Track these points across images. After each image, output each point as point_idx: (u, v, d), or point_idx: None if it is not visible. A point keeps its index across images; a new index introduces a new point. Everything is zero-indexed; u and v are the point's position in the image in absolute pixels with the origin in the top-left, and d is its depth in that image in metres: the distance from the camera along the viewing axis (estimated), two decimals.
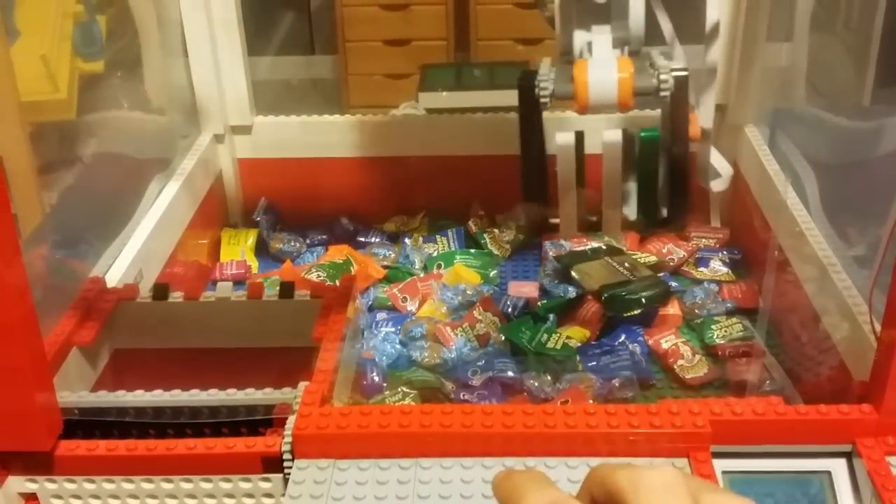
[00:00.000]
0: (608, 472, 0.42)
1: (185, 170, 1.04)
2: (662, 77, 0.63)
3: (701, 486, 0.42)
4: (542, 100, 0.65)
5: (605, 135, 0.65)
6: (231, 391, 0.68)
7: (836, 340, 0.79)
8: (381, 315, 0.97)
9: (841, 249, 0.84)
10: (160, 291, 0.80)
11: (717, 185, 0.78)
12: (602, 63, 0.64)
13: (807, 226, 0.87)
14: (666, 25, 0.71)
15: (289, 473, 0.61)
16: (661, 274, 1.01)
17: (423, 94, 2.04)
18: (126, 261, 0.88)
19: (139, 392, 0.69)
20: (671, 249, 1.04)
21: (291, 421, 0.62)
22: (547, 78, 0.64)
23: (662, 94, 0.63)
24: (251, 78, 1.11)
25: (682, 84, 0.64)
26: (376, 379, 0.87)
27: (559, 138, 0.66)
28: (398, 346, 0.92)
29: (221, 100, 1.10)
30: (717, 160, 0.90)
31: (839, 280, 0.79)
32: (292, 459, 0.62)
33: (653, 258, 1.03)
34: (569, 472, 0.60)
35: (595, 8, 0.65)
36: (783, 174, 0.96)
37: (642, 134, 0.66)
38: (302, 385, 0.67)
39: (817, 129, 1.01)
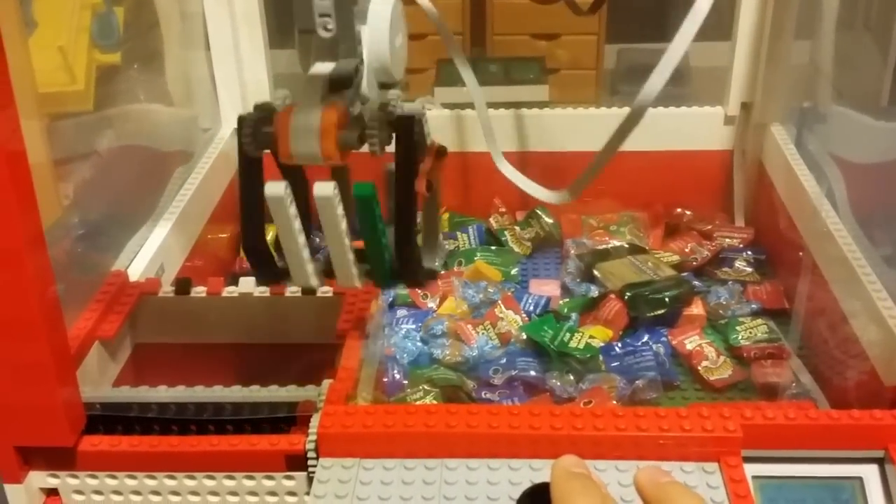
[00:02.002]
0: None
1: (206, 163, 1.03)
2: (369, 133, 0.58)
3: None
4: (246, 149, 0.59)
5: (315, 188, 0.58)
6: (254, 388, 0.68)
7: (864, 343, 0.78)
8: (401, 312, 0.96)
9: (870, 250, 0.82)
10: (182, 286, 0.79)
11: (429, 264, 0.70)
12: (307, 110, 0.57)
13: (835, 226, 0.86)
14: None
15: (313, 472, 0.61)
16: (684, 273, 1.00)
17: (440, 88, 2.04)
18: (148, 254, 0.87)
19: (162, 388, 0.68)
20: (694, 249, 1.03)
21: (316, 419, 0.62)
22: (248, 127, 0.59)
23: (371, 150, 0.58)
24: (273, 71, 1.10)
25: (407, 132, 0.59)
26: (397, 376, 0.86)
27: (269, 188, 0.59)
28: (419, 344, 0.91)
29: (243, 93, 1.09)
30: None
31: (868, 282, 0.78)
32: (317, 458, 0.61)
33: (676, 257, 1.02)
34: (596, 476, 0.59)
35: (326, 42, 0.59)
36: (810, 173, 0.95)
37: (354, 190, 0.60)
38: (326, 383, 0.66)
39: (845, 128, 0.99)
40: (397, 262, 0.63)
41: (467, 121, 1.12)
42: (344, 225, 0.61)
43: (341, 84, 0.58)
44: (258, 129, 0.59)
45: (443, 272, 1.02)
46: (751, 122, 1.07)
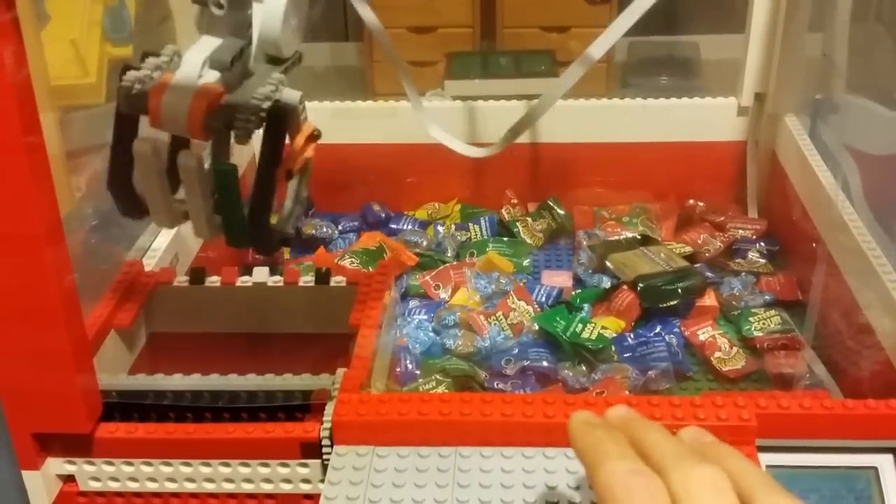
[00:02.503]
0: (671, 462, 0.42)
1: None
2: (238, 123, 0.58)
3: (757, 483, 0.41)
4: (119, 106, 0.59)
5: (180, 158, 0.60)
6: (269, 376, 0.68)
7: (879, 334, 0.77)
8: (413, 303, 0.97)
9: (885, 241, 0.82)
10: (197, 276, 0.80)
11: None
12: (184, 83, 0.58)
13: (850, 216, 0.86)
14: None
15: (327, 460, 0.61)
16: (697, 265, 1.00)
17: (450, 81, 2.03)
18: (162, 245, 0.88)
19: (177, 375, 0.69)
20: (707, 240, 1.03)
21: (331, 407, 0.62)
22: (129, 82, 0.59)
23: (236, 138, 0.59)
24: None
25: (275, 123, 0.59)
26: (410, 367, 0.86)
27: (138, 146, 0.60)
28: (431, 334, 0.91)
29: None
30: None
31: (884, 272, 0.78)
32: (331, 446, 0.61)
33: (688, 249, 1.02)
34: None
35: (219, 19, 0.60)
36: (825, 164, 0.94)
37: (215, 165, 0.61)
38: (340, 371, 0.67)
39: (860, 119, 0.99)
40: (249, 236, 0.64)
41: (477, 112, 1.12)
42: (203, 188, 0.61)
43: (221, 63, 0.59)
44: (134, 89, 0.59)
45: (454, 264, 1.02)
46: (764, 113, 1.06)
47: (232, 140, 0.61)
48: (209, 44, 0.60)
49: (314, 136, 0.66)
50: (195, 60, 0.59)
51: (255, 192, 0.61)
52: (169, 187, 0.62)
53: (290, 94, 0.62)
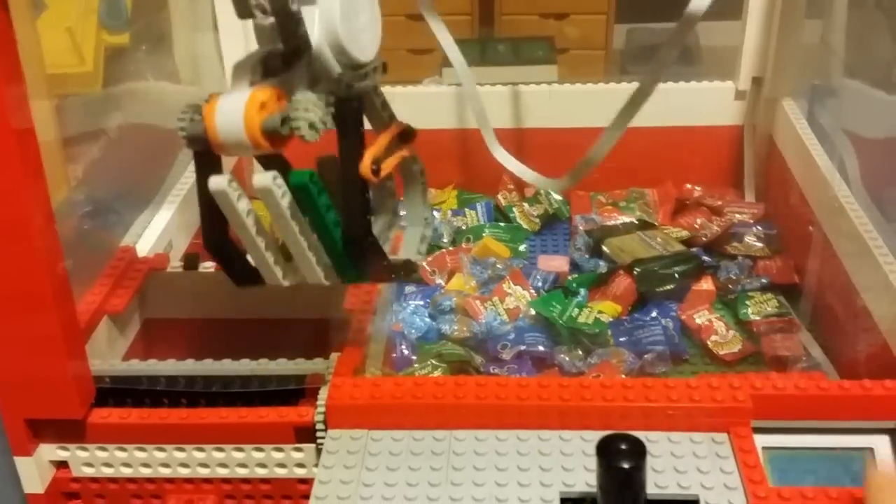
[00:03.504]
0: None
1: None
2: (293, 115, 0.52)
3: None
4: (185, 143, 0.54)
5: (254, 179, 0.54)
6: (263, 361, 0.68)
7: (876, 317, 0.77)
8: (409, 288, 0.96)
9: (882, 224, 0.82)
10: (191, 261, 0.79)
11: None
12: (235, 95, 0.53)
13: (847, 200, 0.85)
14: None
15: (321, 444, 0.61)
16: (694, 249, 0.99)
17: (448, 69, 2.02)
18: (156, 232, 0.87)
19: (171, 361, 0.68)
20: (704, 224, 1.02)
21: (325, 391, 0.62)
22: (186, 117, 0.54)
23: (298, 134, 0.53)
24: None
25: (343, 115, 0.54)
26: (406, 352, 0.86)
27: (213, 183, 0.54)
28: (427, 320, 0.91)
29: None
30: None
31: (880, 254, 0.77)
32: (325, 430, 0.61)
33: (685, 233, 1.02)
34: None
35: (269, 28, 0.54)
36: (822, 148, 0.94)
37: (290, 178, 0.54)
38: (334, 356, 0.67)
39: (858, 103, 0.98)
40: (346, 256, 0.57)
41: (472, 97, 1.11)
42: (288, 216, 0.55)
43: (272, 67, 0.54)
44: (192, 120, 0.54)
45: (450, 249, 1.02)
46: (762, 97, 1.05)
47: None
48: (257, 53, 0.55)
49: (407, 133, 0.60)
50: (241, 70, 0.54)
51: (343, 202, 0.55)
52: (266, 230, 0.56)
53: (360, 87, 0.56)
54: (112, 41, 1.72)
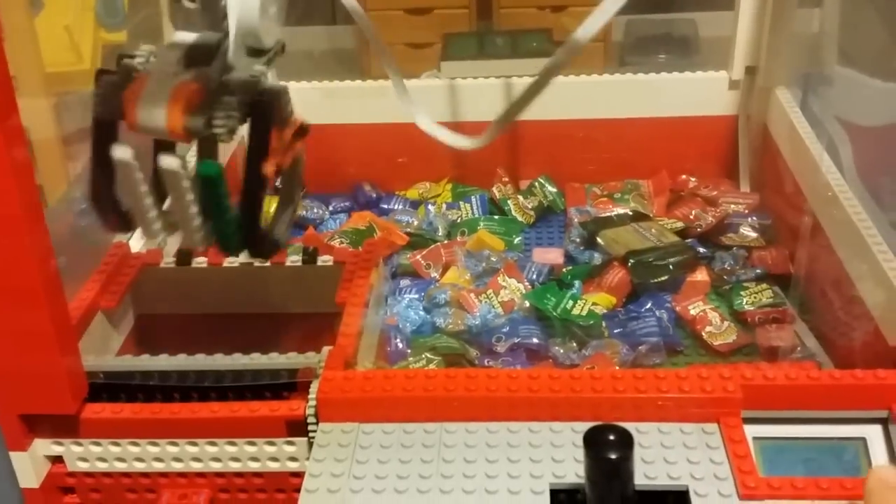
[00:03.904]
0: None
1: None
2: (215, 121, 0.56)
3: None
4: (96, 111, 0.57)
5: (161, 160, 0.57)
6: (255, 356, 0.68)
7: (870, 305, 0.77)
8: (404, 282, 0.96)
9: (876, 213, 0.82)
10: (183, 257, 0.79)
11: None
12: (161, 83, 0.55)
13: (840, 189, 0.85)
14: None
15: (313, 437, 0.61)
16: (689, 240, 0.99)
17: (446, 63, 2.02)
18: None
19: (163, 356, 0.69)
20: (699, 215, 1.02)
21: (315, 385, 0.62)
22: (102, 87, 0.57)
23: (218, 138, 0.57)
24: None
25: (257, 114, 0.57)
26: (400, 345, 0.86)
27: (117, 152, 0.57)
28: (422, 313, 0.91)
29: None
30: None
31: (874, 243, 0.77)
32: (317, 423, 0.61)
33: (680, 224, 1.02)
34: None
35: (193, 13, 0.57)
36: (816, 137, 0.94)
37: (200, 168, 0.58)
38: (325, 349, 0.67)
39: (852, 91, 0.98)
40: (240, 238, 0.62)
41: (468, 91, 1.11)
42: (190, 195, 0.59)
43: (198, 59, 0.57)
44: (111, 93, 0.57)
45: (444, 242, 1.02)
46: (755, 87, 1.05)
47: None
48: (184, 40, 0.58)
49: (302, 130, 0.63)
50: (170, 58, 0.57)
51: (244, 191, 0.59)
52: (155, 195, 0.60)
53: (273, 86, 0.59)
54: (109, 39, 1.72)
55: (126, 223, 0.62)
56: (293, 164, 0.63)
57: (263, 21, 0.59)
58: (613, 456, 0.49)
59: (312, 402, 0.61)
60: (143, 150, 0.60)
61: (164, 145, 0.60)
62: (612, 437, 0.49)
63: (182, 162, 0.57)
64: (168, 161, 0.57)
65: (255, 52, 0.60)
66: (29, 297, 0.57)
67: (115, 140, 0.58)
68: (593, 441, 0.49)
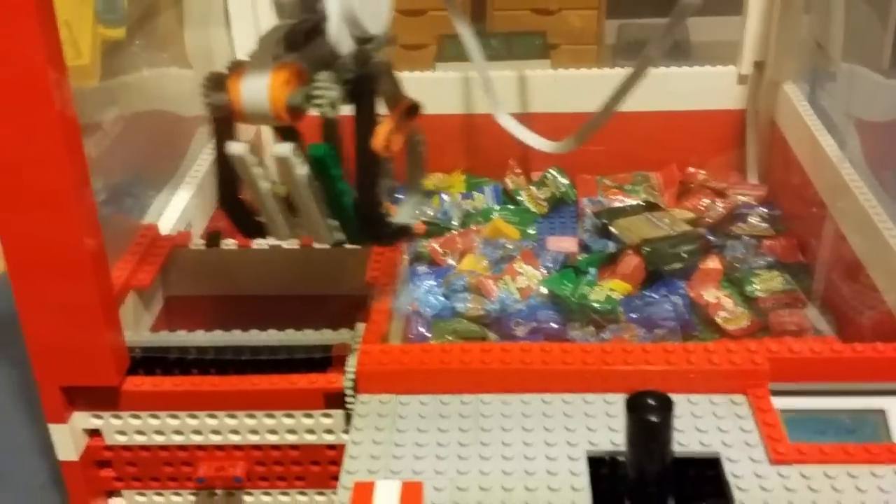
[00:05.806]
0: None
1: None
2: (316, 93, 0.55)
3: None
4: (208, 110, 0.58)
5: (273, 149, 0.57)
6: (289, 332, 0.69)
7: (882, 290, 0.79)
8: (421, 268, 0.98)
9: (886, 200, 0.84)
10: (213, 238, 0.81)
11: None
12: (260, 69, 0.56)
13: (851, 178, 0.87)
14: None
15: (351, 408, 0.63)
16: (700, 229, 1.01)
17: (441, 64, 2.03)
18: (175, 214, 0.89)
19: (200, 332, 0.70)
20: (709, 206, 1.05)
21: (353, 358, 0.63)
22: (210, 84, 0.57)
23: (320, 111, 0.56)
24: None
25: (360, 89, 0.56)
26: (421, 329, 0.88)
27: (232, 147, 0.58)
28: (441, 298, 0.93)
29: None
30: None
31: (885, 228, 0.80)
32: (354, 395, 0.63)
33: (691, 214, 1.04)
34: None
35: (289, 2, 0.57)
36: (825, 129, 0.96)
37: (308, 150, 0.58)
38: (360, 326, 0.68)
39: (860, 87, 1.00)
40: (360, 227, 0.61)
41: (470, 84, 1.13)
42: (305, 183, 0.59)
43: (294, 42, 0.57)
44: (217, 86, 0.57)
45: (460, 231, 1.03)
46: (764, 81, 1.08)
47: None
48: (281, 28, 0.58)
49: (414, 108, 0.62)
50: (266, 44, 0.57)
51: (357, 169, 0.58)
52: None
53: (376, 61, 0.59)
54: (109, 34, 1.72)
55: (259, 227, 0.62)
56: (411, 145, 0.63)
57: (362, 4, 0.58)
58: (655, 419, 0.51)
59: (351, 375, 0.63)
60: None
61: (284, 135, 0.60)
62: (653, 402, 0.51)
63: (294, 147, 0.57)
64: (281, 148, 0.57)
65: (362, 41, 0.59)
66: (76, 270, 0.58)
67: (232, 138, 0.59)
68: (636, 405, 0.51)
